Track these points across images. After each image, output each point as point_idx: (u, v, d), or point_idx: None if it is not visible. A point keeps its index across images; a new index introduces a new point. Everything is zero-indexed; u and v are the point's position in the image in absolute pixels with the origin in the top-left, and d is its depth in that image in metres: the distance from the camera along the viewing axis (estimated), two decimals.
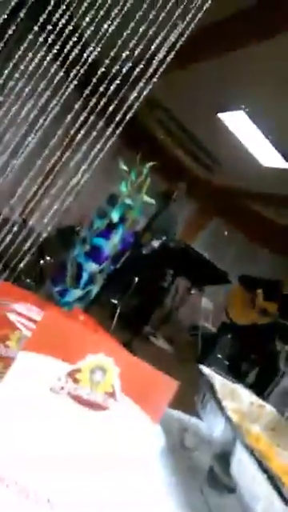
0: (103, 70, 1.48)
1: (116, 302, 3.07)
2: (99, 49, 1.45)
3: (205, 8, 1.45)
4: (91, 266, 0.65)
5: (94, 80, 1.45)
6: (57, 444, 0.45)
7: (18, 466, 0.44)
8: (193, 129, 6.10)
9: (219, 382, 0.90)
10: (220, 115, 4.89)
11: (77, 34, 1.50)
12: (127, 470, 0.51)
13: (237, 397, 0.93)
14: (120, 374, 0.47)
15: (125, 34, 1.51)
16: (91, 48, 1.48)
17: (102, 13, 1.46)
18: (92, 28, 1.46)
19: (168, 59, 1.59)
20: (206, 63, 3.91)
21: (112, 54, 1.55)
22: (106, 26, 1.42)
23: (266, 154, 4.93)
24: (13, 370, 0.45)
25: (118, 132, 1.36)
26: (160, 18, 1.53)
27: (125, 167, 0.86)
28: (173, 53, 1.71)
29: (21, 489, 0.44)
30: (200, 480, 0.80)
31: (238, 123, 4.72)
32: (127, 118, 1.38)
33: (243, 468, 0.63)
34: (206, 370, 0.90)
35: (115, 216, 0.64)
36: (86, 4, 1.49)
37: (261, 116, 4.32)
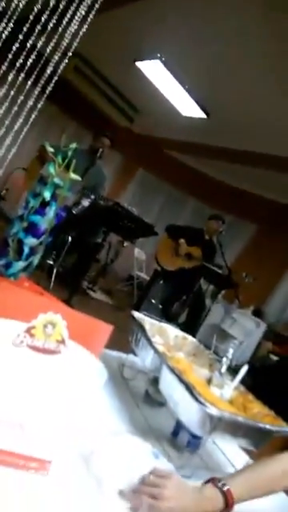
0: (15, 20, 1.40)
1: (52, 262, 3.15)
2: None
3: None
4: (31, 241, 0.73)
5: (21, 37, 1.37)
6: (23, 384, 0.59)
7: None
8: (111, 77, 5.95)
9: (148, 322, 1.09)
10: (138, 64, 4.81)
11: None
12: (80, 397, 0.66)
13: (164, 333, 1.13)
14: (67, 325, 0.61)
15: None
16: None
17: None
18: None
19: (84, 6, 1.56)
20: (123, 10, 3.79)
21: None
22: None
23: (183, 104, 5.01)
24: None
25: (47, 91, 1.35)
26: None
27: (51, 149, 0.92)
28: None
29: None
30: (137, 400, 1.00)
31: (155, 72, 4.70)
32: (49, 73, 1.37)
33: (168, 383, 0.82)
34: (136, 314, 1.08)
35: (47, 195, 0.71)
36: None
37: (177, 65, 4.35)
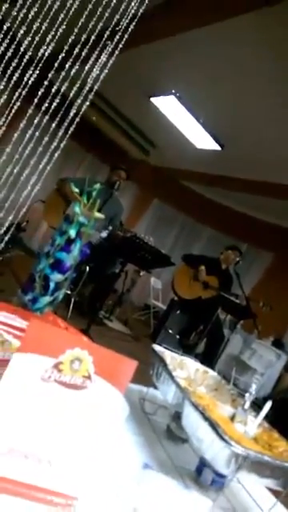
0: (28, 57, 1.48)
1: (69, 292, 3.19)
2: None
3: None
4: (57, 277, 0.76)
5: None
6: (50, 419, 0.60)
7: (23, 439, 0.58)
8: (127, 113, 6.18)
9: (169, 356, 1.09)
10: (153, 99, 5.01)
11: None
12: (105, 433, 0.67)
13: (184, 366, 1.13)
14: (93, 361, 0.62)
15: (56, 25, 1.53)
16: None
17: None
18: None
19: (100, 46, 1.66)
20: (137, 49, 3.99)
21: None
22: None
23: (198, 136, 5.15)
24: (10, 367, 0.58)
25: (69, 131, 1.42)
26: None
27: (76, 189, 0.97)
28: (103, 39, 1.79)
29: (27, 455, 0.59)
30: (159, 436, 0.99)
31: (170, 107, 4.87)
32: (74, 115, 1.44)
33: (191, 419, 0.81)
34: (157, 347, 1.08)
35: (72, 232, 0.75)
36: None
37: (191, 100, 4.51)
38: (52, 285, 0.80)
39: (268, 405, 0.88)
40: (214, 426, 0.73)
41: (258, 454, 0.71)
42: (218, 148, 5.10)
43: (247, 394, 0.94)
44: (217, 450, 0.71)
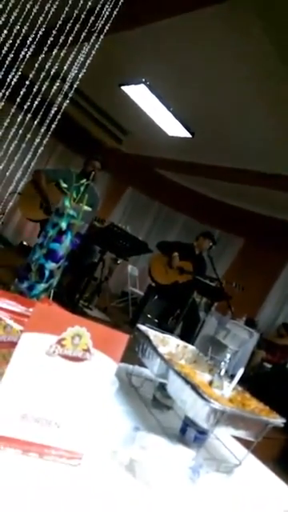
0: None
1: None
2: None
3: None
4: (51, 265, 0.82)
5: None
6: (56, 387, 0.70)
7: (34, 406, 0.68)
8: (98, 101, 6.16)
9: (152, 334, 1.20)
10: (123, 88, 5.02)
11: None
12: (104, 399, 0.77)
13: (166, 342, 1.25)
14: (91, 336, 0.72)
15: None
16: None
17: None
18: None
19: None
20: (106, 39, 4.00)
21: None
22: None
23: (169, 124, 5.22)
24: (19, 345, 0.67)
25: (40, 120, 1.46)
26: None
27: (65, 185, 1.04)
28: (77, 26, 1.83)
29: (37, 419, 0.68)
30: (147, 405, 1.10)
31: (140, 95, 4.90)
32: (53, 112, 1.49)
33: (175, 385, 0.93)
34: (141, 327, 1.19)
35: (63, 225, 0.81)
36: None
37: (161, 89, 4.56)
38: (47, 273, 0.88)
39: (241, 371, 1.01)
40: (195, 388, 0.84)
41: (234, 408, 0.83)
42: (189, 135, 5.20)
43: (222, 363, 1.07)
44: (198, 408, 0.82)
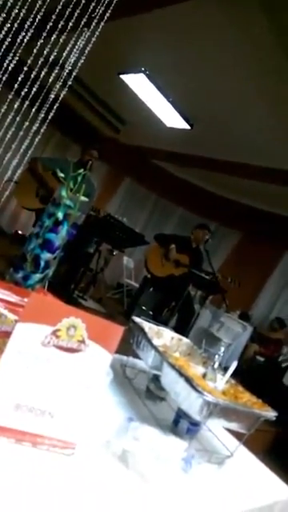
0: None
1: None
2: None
3: None
4: (46, 256, 0.82)
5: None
6: (51, 378, 0.70)
7: (28, 396, 0.68)
8: (96, 89, 6.09)
9: (147, 326, 1.20)
10: (122, 77, 4.96)
11: None
12: (98, 390, 0.77)
13: (161, 335, 1.25)
14: (86, 328, 0.72)
15: None
16: None
17: None
18: None
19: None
20: (106, 26, 3.94)
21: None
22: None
23: (167, 115, 5.17)
24: (14, 335, 0.67)
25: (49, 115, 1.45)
26: None
27: (62, 174, 1.03)
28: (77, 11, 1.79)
29: (31, 409, 0.68)
30: (140, 396, 1.11)
31: (139, 85, 4.84)
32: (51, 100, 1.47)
33: (169, 377, 0.93)
34: (136, 319, 1.19)
35: (60, 215, 0.81)
36: None
37: (160, 79, 4.51)
38: (42, 263, 0.88)
39: (234, 363, 1.01)
40: (189, 380, 0.85)
41: (227, 401, 0.84)
42: (188, 127, 5.16)
43: (216, 356, 1.07)
44: (192, 401, 0.83)
